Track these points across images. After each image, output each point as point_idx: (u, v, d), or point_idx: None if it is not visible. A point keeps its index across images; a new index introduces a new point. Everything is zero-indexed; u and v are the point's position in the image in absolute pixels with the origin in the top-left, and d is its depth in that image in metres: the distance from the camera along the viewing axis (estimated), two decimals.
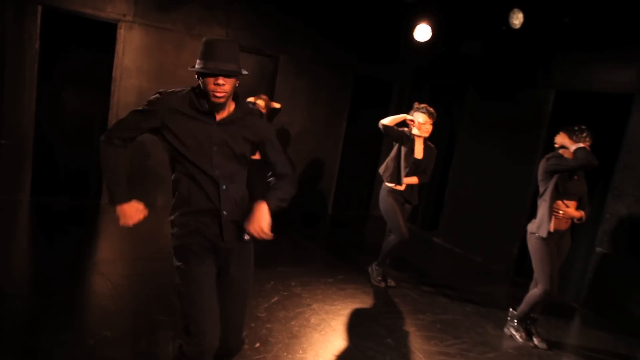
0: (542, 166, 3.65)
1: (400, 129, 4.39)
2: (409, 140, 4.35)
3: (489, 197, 6.07)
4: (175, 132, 2.06)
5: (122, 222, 2.18)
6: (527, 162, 5.61)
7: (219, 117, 2.10)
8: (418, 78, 7.47)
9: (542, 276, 3.58)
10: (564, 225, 3.63)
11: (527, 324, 3.81)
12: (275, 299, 3.89)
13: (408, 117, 4.35)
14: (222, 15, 6.17)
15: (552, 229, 3.53)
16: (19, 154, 5.46)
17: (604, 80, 4.90)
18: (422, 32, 6.19)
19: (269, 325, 3.41)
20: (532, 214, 5.44)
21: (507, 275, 5.61)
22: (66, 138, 5.91)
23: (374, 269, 4.66)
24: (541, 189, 3.66)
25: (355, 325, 3.69)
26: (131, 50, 5.79)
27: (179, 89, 2.15)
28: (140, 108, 2.14)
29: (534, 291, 3.68)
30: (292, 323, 3.52)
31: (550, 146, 5.31)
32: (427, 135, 4.40)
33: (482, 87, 6.36)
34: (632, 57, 4.67)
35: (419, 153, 4.41)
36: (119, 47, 5.72)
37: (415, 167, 4.39)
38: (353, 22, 6.94)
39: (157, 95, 2.11)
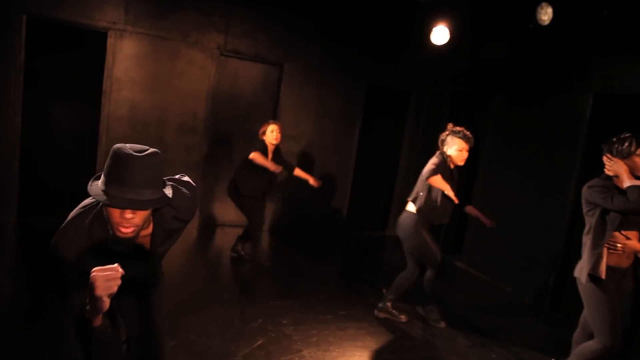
0: (584, 196, 2.89)
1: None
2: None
3: (519, 216, 5.31)
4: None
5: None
6: (562, 178, 4.85)
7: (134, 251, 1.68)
8: (437, 85, 6.83)
9: (599, 328, 2.76)
10: (625, 262, 2.82)
11: None
12: (260, 342, 3.27)
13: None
14: (220, 20, 5.72)
15: (603, 275, 2.75)
16: (4, 173, 5.11)
17: None
18: (440, 35, 5.58)
19: None
20: (571, 238, 4.75)
21: (542, 310, 4.82)
22: (54, 155, 5.53)
23: (427, 310, 4.04)
24: (587, 224, 2.88)
25: None
26: (122, 60, 5.39)
27: (80, 216, 1.63)
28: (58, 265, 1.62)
29: (590, 344, 2.82)
30: None
31: (590, 157, 4.61)
32: (463, 164, 3.77)
33: (508, 93, 5.66)
34: None
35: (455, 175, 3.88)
36: (109, 57, 5.33)
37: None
38: (365, 25, 6.37)
39: (59, 241, 1.59)
